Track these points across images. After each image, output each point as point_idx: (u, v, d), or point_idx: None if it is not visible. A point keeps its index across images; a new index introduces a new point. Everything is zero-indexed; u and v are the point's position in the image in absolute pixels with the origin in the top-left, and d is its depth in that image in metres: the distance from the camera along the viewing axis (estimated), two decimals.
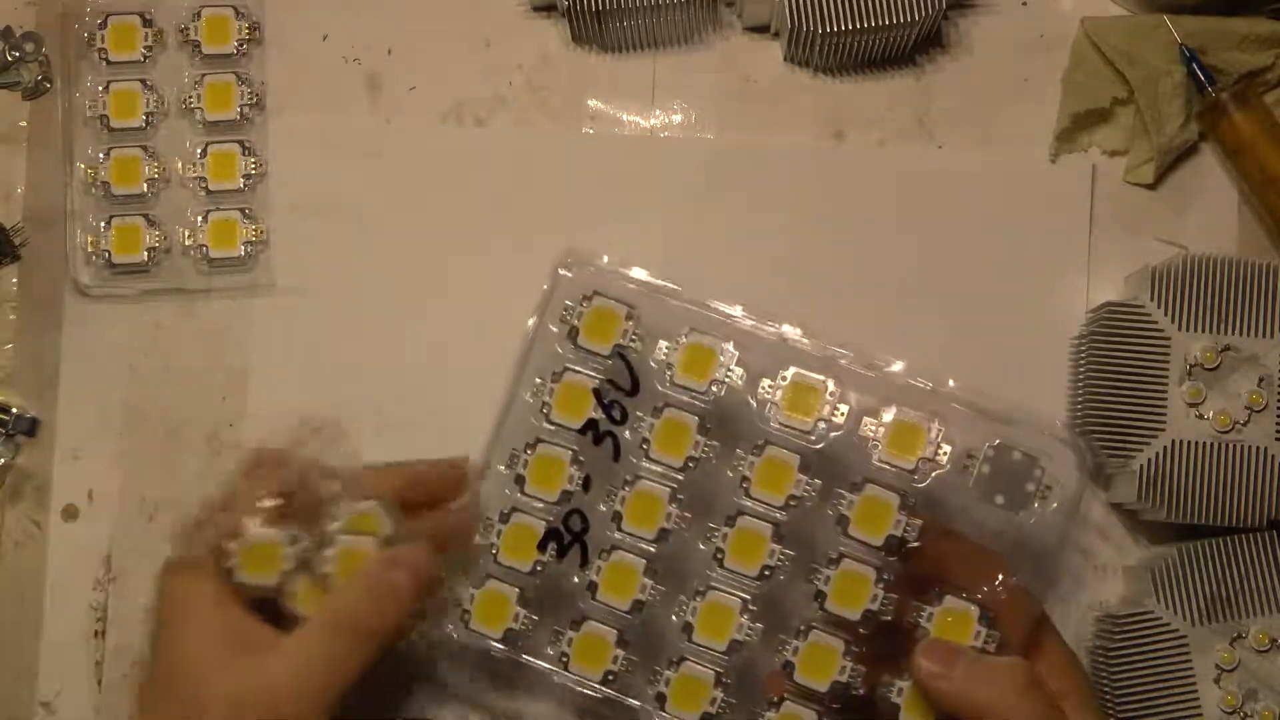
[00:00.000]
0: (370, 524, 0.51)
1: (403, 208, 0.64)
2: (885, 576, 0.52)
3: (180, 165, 0.64)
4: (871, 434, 0.53)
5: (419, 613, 0.52)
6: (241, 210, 0.63)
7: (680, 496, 0.54)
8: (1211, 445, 0.57)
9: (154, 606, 0.51)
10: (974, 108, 0.64)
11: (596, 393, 0.55)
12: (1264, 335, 0.58)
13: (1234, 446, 0.57)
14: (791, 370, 0.54)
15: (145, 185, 0.63)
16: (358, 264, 0.64)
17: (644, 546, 0.54)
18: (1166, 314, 0.58)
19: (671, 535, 0.54)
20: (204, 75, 0.64)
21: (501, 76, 0.65)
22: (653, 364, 0.55)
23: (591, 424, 0.55)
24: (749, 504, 0.53)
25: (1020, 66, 0.65)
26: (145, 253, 0.63)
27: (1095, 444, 0.58)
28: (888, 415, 0.53)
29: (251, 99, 0.64)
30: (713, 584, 0.54)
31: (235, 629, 0.49)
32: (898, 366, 0.54)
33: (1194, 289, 0.58)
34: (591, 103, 0.65)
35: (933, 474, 0.53)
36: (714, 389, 0.54)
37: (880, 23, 0.60)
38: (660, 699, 0.53)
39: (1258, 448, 0.57)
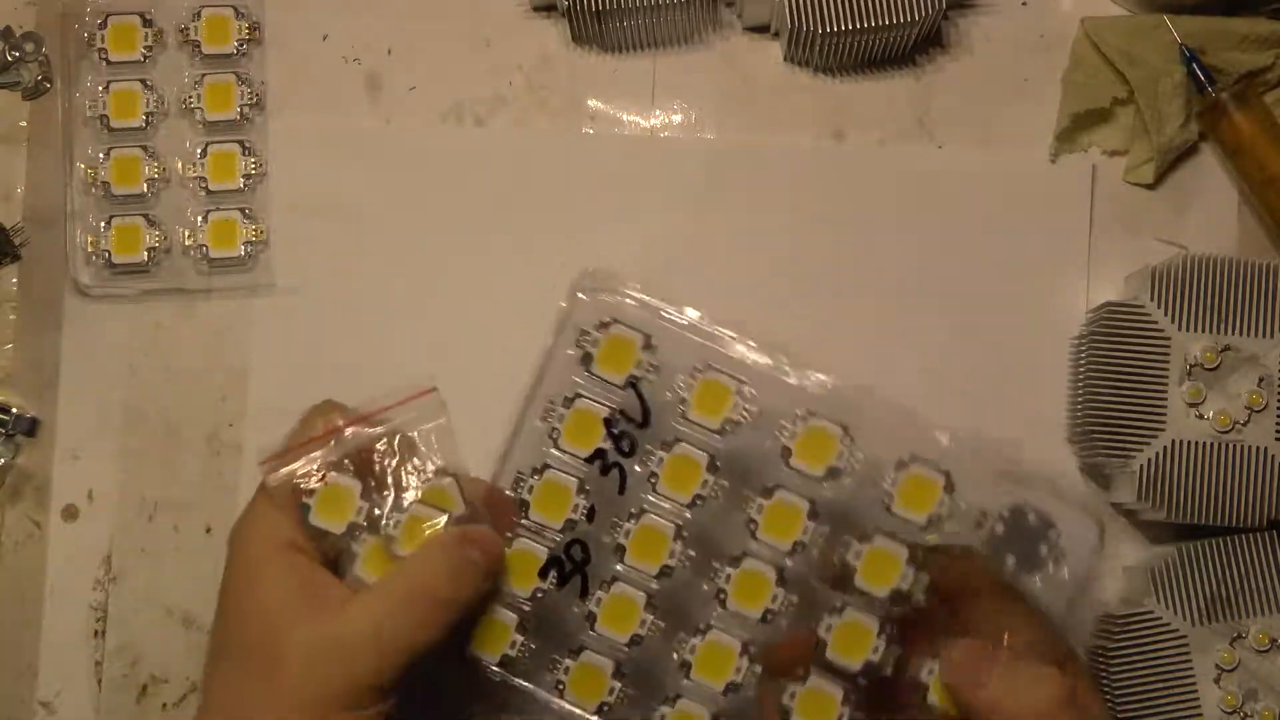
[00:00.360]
0: (443, 499, 0.51)
1: (403, 208, 0.64)
2: (888, 628, 0.51)
3: (180, 165, 0.64)
4: (886, 485, 0.52)
5: (486, 594, 0.52)
6: (241, 210, 0.63)
7: (685, 534, 0.53)
8: (1211, 445, 0.57)
9: (228, 558, 0.50)
10: (974, 108, 0.64)
11: (607, 422, 0.54)
12: (1264, 335, 0.58)
13: (1234, 446, 0.57)
14: (808, 415, 0.52)
15: (145, 185, 0.63)
16: (358, 264, 0.64)
17: (646, 581, 0.53)
18: (1166, 314, 0.58)
19: (674, 572, 0.53)
20: (204, 75, 0.64)
21: (501, 76, 0.65)
22: (668, 395, 0.53)
23: (600, 453, 0.54)
24: (755, 546, 0.52)
25: (1020, 66, 0.65)
26: (145, 253, 0.63)
27: (1095, 444, 0.58)
28: (904, 467, 0.52)
29: (251, 99, 0.64)
30: (714, 623, 0.53)
31: (310, 580, 0.49)
32: (920, 414, 0.53)
33: (1194, 289, 0.58)
34: (591, 103, 0.65)
35: (945, 530, 0.52)
36: (727, 428, 0.53)
37: (880, 23, 0.60)
38: None
39: (1258, 448, 0.57)
